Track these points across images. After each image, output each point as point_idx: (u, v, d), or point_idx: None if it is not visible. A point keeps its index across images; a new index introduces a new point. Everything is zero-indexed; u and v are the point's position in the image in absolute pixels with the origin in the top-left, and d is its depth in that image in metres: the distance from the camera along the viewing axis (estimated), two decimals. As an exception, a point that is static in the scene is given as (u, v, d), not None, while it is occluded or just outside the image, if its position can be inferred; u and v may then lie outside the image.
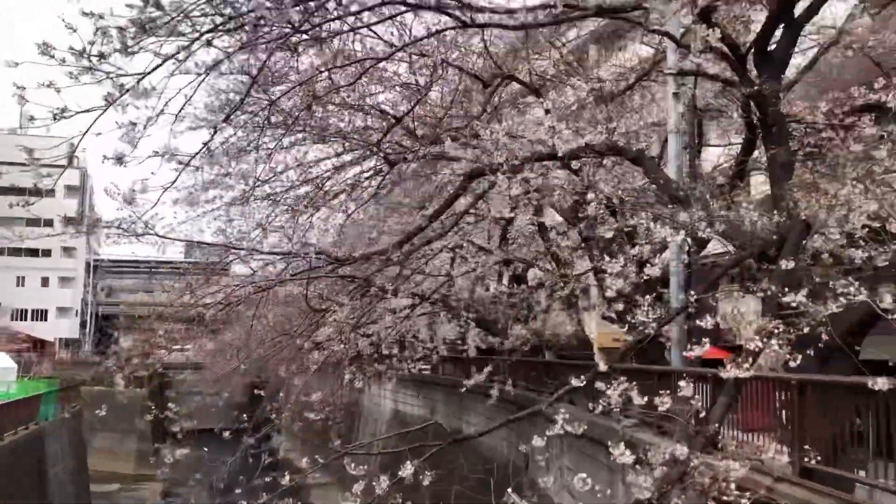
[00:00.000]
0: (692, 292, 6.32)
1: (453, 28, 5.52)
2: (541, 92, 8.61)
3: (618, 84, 10.52)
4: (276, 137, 8.33)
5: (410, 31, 6.89)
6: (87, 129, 4.99)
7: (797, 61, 10.12)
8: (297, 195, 8.35)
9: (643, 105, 11.60)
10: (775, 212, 6.12)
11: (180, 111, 5.54)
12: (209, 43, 4.97)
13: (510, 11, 5.36)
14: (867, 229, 6.01)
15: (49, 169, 5.41)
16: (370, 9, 5.00)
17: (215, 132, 5.56)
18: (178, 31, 4.17)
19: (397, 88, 8.01)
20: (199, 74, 5.02)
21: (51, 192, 6.53)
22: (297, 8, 4.07)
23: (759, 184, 11.01)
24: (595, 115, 9.09)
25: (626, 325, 6.64)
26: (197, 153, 5.94)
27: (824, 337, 4.70)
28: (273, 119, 7.73)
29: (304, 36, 5.15)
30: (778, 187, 6.55)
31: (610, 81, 10.74)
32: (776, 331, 4.52)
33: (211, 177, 7.19)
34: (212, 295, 7.28)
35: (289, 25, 4.03)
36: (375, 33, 6.31)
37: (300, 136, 7.98)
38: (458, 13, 5.32)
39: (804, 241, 5.84)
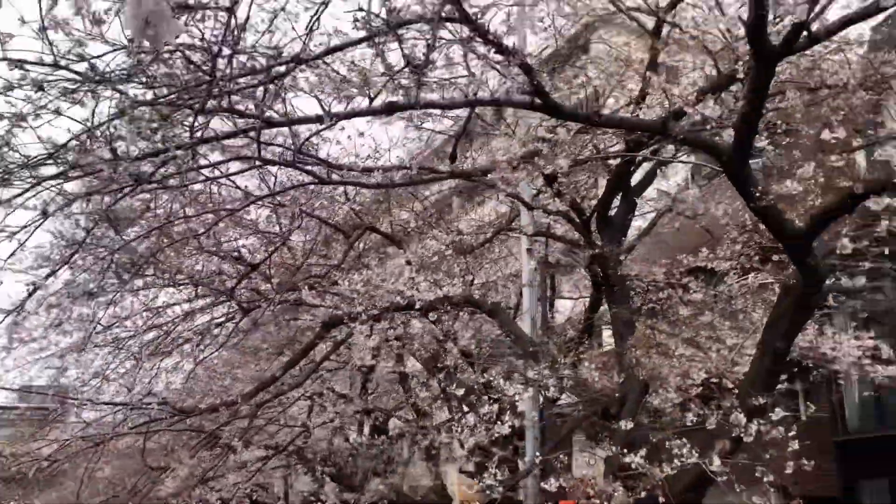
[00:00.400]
0: (537, 454, 6.37)
1: (311, 183, 5.60)
2: (402, 243, 8.78)
3: (476, 237, 10.92)
4: (124, 280, 8.02)
5: (275, 179, 6.98)
6: None
7: (639, 223, 10.95)
8: (142, 341, 7.95)
9: (501, 257, 12.05)
10: (616, 370, 6.37)
11: (11, 256, 5.29)
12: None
13: (367, 170, 5.51)
14: (702, 387, 6.35)
15: None
16: (225, 162, 5.02)
17: (36, 287, 5.29)
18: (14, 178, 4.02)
19: (256, 235, 7.97)
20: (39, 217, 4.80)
21: None
22: (146, 161, 4.03)
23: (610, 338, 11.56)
24: (454, 267, 9.33)
25: (480, 483, 6.58)
26: (24, 301, 5.64)
27: (661, 500, 4.82)
28: (122, 261, 7.45)
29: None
30: (620, 345, 6.85)
31: (469, 234, 11.18)
32: (615, 493, 4.61)
33: (47, 322, 6.74)
34: (35, 451, 6.67)
35: (134, 178, 3.97)
36: (234, 183, 6.30)
37: (149, 279, 7.70)
38: (316, 170, 5.41)
39: (643, 401, 6.07)
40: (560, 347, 6.97)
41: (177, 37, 2.64)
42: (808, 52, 6.12)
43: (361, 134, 6.11)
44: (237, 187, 6.46)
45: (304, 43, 3.36)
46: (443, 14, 3.15)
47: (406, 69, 3.18)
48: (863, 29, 6.21)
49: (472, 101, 4.10)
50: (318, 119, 4.08)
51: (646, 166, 8.46)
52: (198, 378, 11.65)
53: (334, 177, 5.82)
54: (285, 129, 4.93)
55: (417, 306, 7.33)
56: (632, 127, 5.30)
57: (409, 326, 9.12)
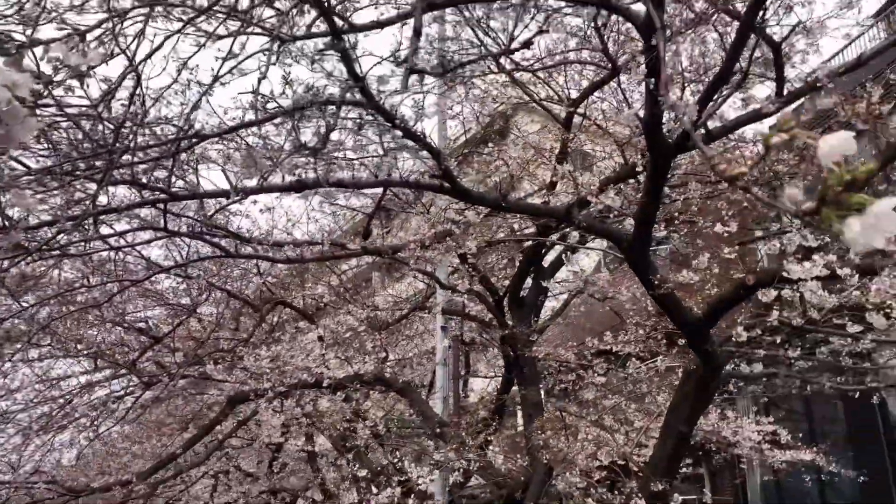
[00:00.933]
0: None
1: (219, 256, 5.51)
2: (314, 318, 8.67)
3: (392, 313, 10.88)
4: (18, 350, 7.65)
5: (188, 249, 6.84)
6: None
7: (552, 304, 11.15)
8: (33, 415, 7.53)
9: (417, 333, 12.01)
10: (522, 453, 6.37)
11: None
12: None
13: (278, 244, 5.46)
14: (606, 471, 6.40)
15: None
16: (130, 231, 4.90)
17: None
18: None
19: (162, 307, 7.75)
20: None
21: None
22: (44, 229, 3.91)
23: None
24: (366, 344, 9.24)
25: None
26: None
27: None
28: (14, 331, 7.12)
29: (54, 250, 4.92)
30: (529, 427, 6.86)
31: (385, 310, 11.13)
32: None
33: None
34: None
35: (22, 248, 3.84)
36: (139, 253, 6.14)
37: (45, 349, 7.36)
38: (225, 242, 5.34)
39: (548, 484, 6.06)
40: (468, 429, 6.92)
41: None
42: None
43: (270, 209, 6.05)
44: (142, 257, 6.30)
45: (219, 118, 3.36)
46: (346, 98, 3.20)
47: (306, 150, 3.20)
48: (761, 127, 6.61)
49: (382, 181, 4.15)
50: (225, 193, 4.05)
51: (558, 249, 8.70)
52: (94, 455, 11.08)
53: (245, 250, 5.75)
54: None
55: (326, 384, 7.20)
56: (538, 213, 5.45)
57: (317, 404, 8.94)
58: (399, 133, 3.70)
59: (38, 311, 6.59)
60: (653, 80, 3.76)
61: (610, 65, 5.82)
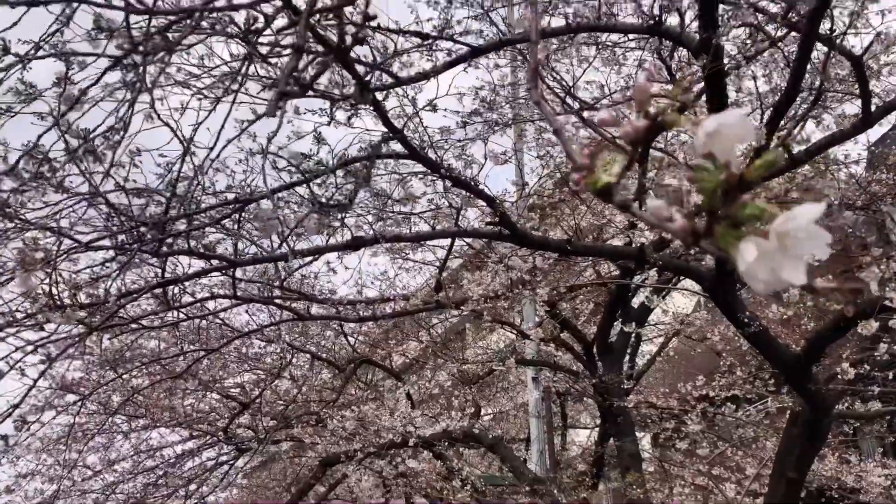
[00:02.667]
0: None
1: (291, 320, 5.50)
2: (400, 376, 8.58)
3: (483, 366, 10.67)
4: (122, 422, 7.87)
5: (269, 313, 6.91)
6: None
7: (649, 348, 10.68)
8: (135, 486, 7.69)
9: (511, 385, 11.75)
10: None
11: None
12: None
13: (351, 303, 5.42)
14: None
15: None
16: (202, 301, 4.95)
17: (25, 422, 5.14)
18: None
19: (250, 371, 7.83)
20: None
21: None
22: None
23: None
24: (458, 399, 9.07)
25: None
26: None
27: None
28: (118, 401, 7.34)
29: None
30: (624, 480, 6.49)
31: (476, 363, 10.93)
32: None
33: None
34: None
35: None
36: (222, 320, 6.22)
37: (142, 421, 7.54)
38: (296, 305, 5.33)
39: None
40: (559, 485, 6.60)
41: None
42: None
43: (348, 268, 6.01)
44: (224, 324, 6.37)
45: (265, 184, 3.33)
46: (390, 151, 3.12)
47: (333, 207, 3.12)
48: (849, 149, 6.17)
49: (439, 233, 4.03)
50: (284, 257, 4.02)
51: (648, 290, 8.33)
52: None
53: (318, 310, 5.73)
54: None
55: (411, 442, 7.05)
56: (608, 255, 5.21)
57: (416, 459, 8.80)
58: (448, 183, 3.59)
59: (128, 381, 6.76)
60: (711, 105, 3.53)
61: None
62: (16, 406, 3.30)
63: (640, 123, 0.59)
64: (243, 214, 3.62)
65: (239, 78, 2.52)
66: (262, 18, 2.33)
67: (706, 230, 0.58)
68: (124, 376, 6.70)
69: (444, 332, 13.20)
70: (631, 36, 5.05)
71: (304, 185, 3.11)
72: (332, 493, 9.47)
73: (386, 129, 3.04)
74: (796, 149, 4.96)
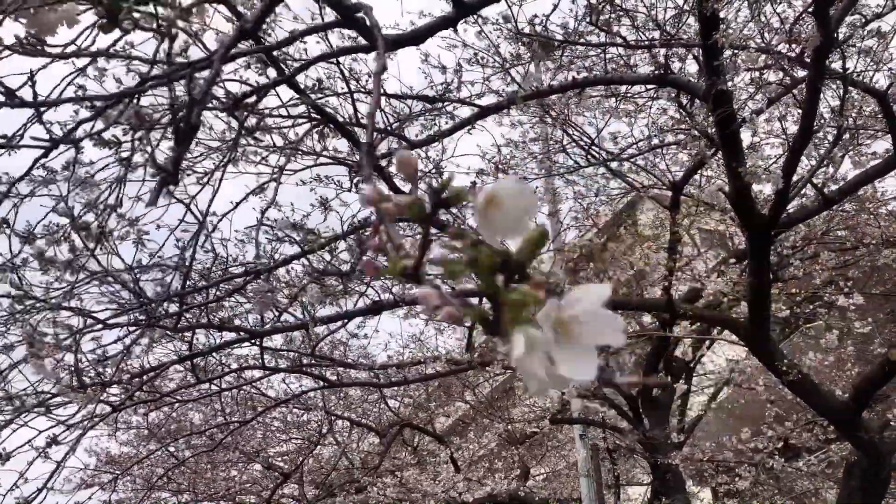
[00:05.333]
0: None
1: (321, 388, 5.48)
2: (443, 439, 8.45)
3: (529, 425, 10.46)
4: (170, 496, 7.90)
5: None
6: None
7: (701, 399, 10.35)
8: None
9: (561, 444, 11.47)
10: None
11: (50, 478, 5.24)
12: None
13: (384, 367, 5.39)
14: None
15: None
16: (232, 373, 4.97)
17: None
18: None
19: (287, 442, 7.81)
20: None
21: None
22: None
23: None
24: (505, 460, 8.88)
25: None
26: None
27: None
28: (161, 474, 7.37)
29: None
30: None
31: (522, 422, 10.72)
32: None
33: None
34: None
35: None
36: (258, 390, 6.23)
37: (187, 496, 7.54)
38: (325, 372, 5.32)
39: None
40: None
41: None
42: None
43: (364, 334, 5.99)
44: (261, 393, 6.39)
45: (269, 258, 3.36)
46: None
47: (338, 275, 3.12)
48: (886, 185, 5.99)
49: (459, 293, 3.98)
50: (304, 325, 4.02)
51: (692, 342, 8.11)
52: None
53: (356, 375, 5.70)
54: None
55: (455, 509, 6.90)
56: (634, 307, 5.09)
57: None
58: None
59: (169, 455, 6.79)
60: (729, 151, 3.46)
61: (707, 141, 5.50)
62: (40, 489, 3.31)
63: (406, 199, 0.55)
64: (252, 286, 3.64)
65: (240, 151, 2.56)
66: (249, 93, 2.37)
67: (494, 318, 0.51)
68: (166, 450, 6.74)
69: (491, 392, 13.04)
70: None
71: (304, 257, 3.12)
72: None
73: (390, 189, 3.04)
74: (829, 188, 4.84)
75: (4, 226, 2.54)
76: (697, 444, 8.39)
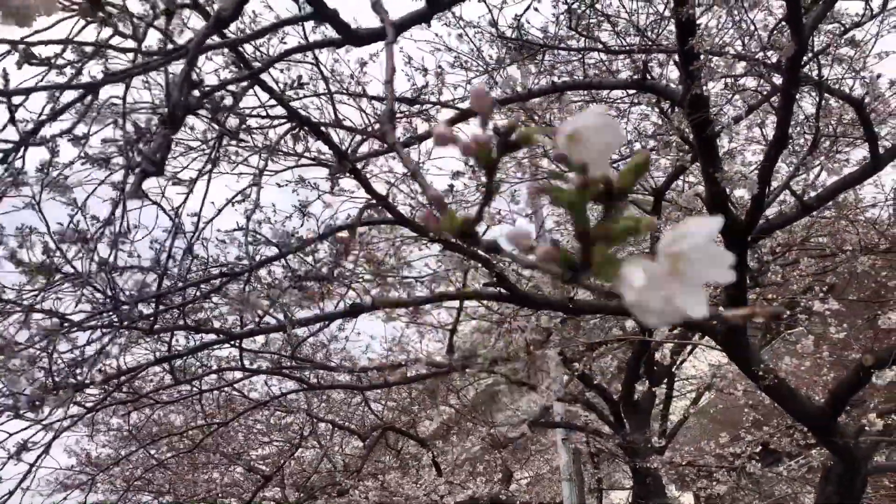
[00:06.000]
0: None
1: (300, 390, 5.47)
2: (426, 443, 8.45)
3: (513, 429, 10.47)
4: (152, 498, 7.85)
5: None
6: None
7: (683, 404, 10.39)
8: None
9: (544, 448, 11.48)
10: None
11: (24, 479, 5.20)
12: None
13: (364, 369, 5.37)
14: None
15: None
16: (211, 373, 4.95)
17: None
18: None
19: (269, 445, 7.78)
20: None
21: None
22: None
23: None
24: (488, 464, 8.88)
25: None
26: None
27: None
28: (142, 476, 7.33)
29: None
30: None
31: (506, 426, 10.73)
32: None
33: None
34: None
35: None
36: (239, 392, 6.21)
37: (168, 498, 7.50)
38: (305, 374, 5.30)
39: None
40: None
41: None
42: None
43: (344, 336, 5.98)
44: (242, 395, 6.36)
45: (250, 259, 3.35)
46: (368, 215, 3.12)
47: (318, 280, 3.12)
48: (865, 192, 6.05)
49: (436, 296, 4.00)
50: (282, 328, 4.01)
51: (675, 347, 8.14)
52: None
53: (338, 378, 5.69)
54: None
55: (436, 512, 6.90)
56: (611, 311, 5.11)
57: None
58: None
59: (148, 458, 6.75)
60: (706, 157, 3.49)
61: (686, 145, 5.53)
62: (12, 492, 3.29)
63: (484, 135, 0.52)
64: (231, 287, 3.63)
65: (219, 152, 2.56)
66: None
67: (582, 259, 0.49)
68: (146, 451, 6.70)
69: (475, 396, 13.04)
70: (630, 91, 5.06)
71: (283, 258, 3.12)
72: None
73: (369, 196, 3.05)
74: (808, 195, 4.87)
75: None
76: (678, 448, 8.43)
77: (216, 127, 2.48)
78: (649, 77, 3.69)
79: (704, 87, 3.18)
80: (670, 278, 0.45)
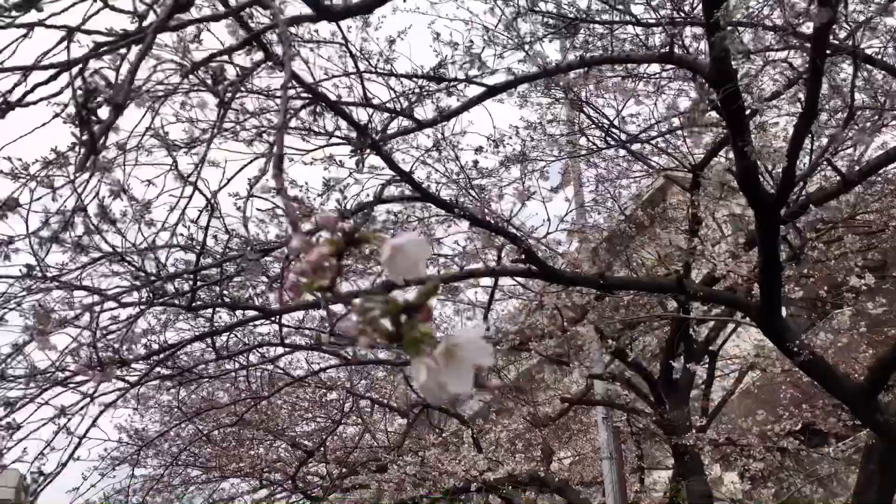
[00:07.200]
0: None
1: (338, 365, 5.58)
2: (466, 420, 8.53)
3: (554, 409, 10.48)
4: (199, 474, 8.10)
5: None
6: None
7: (725, 383, 10.26)
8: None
9: (583, 428, 11.49)
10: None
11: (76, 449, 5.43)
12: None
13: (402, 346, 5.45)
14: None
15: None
16: (251, 350, 5.09)
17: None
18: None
19: (312, 421, 7.96)
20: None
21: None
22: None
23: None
24: (520, 443, 8.93)
25: None
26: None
27: None
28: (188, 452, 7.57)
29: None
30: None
31: (547, 404, 10.74)
32: None
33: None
34: None
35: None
36: (278, 367, 6.35)
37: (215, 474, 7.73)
38: (345, 351, 5.41)
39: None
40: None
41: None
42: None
43: None
44: (285, 372, 6.51)
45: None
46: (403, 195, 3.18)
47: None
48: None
49: (468, 273, 4.05)
50: (315, 304, 4.11)
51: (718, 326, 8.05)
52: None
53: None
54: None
55: (473, 487, 6.98)
56: (644, 288, 5.09)
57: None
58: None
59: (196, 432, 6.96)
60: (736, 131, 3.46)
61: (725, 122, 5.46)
62: (64, 464, 3.45)
63: (324, 250, 0.67)
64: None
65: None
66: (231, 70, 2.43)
67: (395, 337, 0.66)
68: (192, 423, 6.92)
69: (517, 376, 13.08)
70: (667, 65, 5.00)
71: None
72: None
73: (393, 172, 3.10)
74: (850, 169, 4.78)
75: (19, 208, 2.64)
76: (720, 426, 8.37)
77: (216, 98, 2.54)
78: (683, 49, 3.66)
79: (732, 60, 3.15)
80: (447, 366, 0.63)
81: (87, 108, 0.88)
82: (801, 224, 5.67)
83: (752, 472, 8.49)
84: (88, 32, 1.44)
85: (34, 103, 1.49)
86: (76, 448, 4.13)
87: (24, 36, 1.36)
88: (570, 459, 12.05)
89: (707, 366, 7.96)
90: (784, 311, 8.56)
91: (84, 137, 0.90)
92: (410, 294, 0.68)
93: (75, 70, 1.40)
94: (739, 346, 8.75)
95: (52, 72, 1.44)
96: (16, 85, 1.46)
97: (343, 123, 3.61)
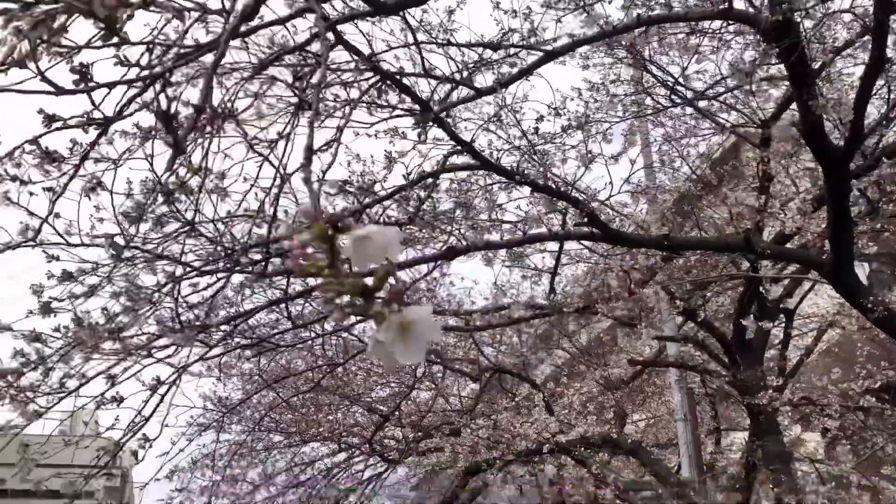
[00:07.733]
0: None
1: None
2: (537, 384, 8.62)
3: (626, 372, 10.47)
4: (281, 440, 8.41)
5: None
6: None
7: (805, 342, 10.04)
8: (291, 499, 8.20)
9: (657, 391, 11.44)
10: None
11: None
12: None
13: (468, 312, 5.56)
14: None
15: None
16: (319, 321, 5.25)
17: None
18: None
19: (387, 386, 8.18)
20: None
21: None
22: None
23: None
24: (592, 405, 8.98)
25: None
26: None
27: None
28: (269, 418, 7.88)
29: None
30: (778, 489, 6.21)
31: (621, 368, 10.73)
32: None
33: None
34: None
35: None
36: (352, 334, 6.54)
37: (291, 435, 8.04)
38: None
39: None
40: (704, 489, 6.40)
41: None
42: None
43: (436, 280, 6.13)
44: (358, 339, 6.69)
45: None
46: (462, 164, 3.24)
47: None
48: None
49: (530, 237, 4.10)
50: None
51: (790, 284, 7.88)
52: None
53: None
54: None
55: (546, 449, 7.08)
56: (711, 247, 5.04)
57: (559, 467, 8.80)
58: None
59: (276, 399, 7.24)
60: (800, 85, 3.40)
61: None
62: (147, 419, 3.68)
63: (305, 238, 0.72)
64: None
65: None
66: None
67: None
68: (271, 394, 7.21)
69: (589, 340, 13.08)
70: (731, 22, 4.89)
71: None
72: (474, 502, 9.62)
73: (453, 141, 3.17)
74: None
75: (100, 187, 2.81)
76: (796, 386, 8.22)
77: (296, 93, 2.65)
78: (742, 4, 3.60)
79: (793, 13, 3.09)
80: (402, 339, 0.73)
81: (170, 115, 0.98)
82: (877, 177, 5.51)
83: (832, 431, 8.35)
84: (167, 46, 1.55)
85: (130, 115, 1.62)
86: (166, 415, 4.39)
87: (115, 56, 1.46)
88: (644, 422, 12.04)
89: (783, 325, 7.82)
90: (867, 268, 8.35)
91: (170, 140, 1.01)
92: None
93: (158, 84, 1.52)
94: (817, 304, 8.55)
95: (139, 86, 1.56)
96: (103, 98, 1.59)
97: (406, 97, 3.68)
